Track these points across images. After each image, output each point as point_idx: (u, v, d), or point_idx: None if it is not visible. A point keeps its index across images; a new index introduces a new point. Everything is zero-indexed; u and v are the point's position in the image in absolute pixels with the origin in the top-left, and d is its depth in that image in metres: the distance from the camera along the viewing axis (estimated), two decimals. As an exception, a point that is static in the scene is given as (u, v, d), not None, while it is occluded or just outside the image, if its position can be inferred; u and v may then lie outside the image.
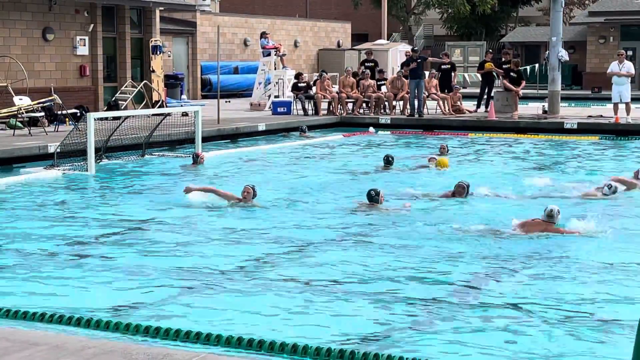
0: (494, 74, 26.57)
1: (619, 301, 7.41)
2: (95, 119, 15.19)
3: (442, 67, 26.37)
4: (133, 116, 18.57)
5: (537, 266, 8.56)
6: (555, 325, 6.69)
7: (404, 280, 8.02)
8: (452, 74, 26.34)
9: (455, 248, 9.28)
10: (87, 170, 14.72)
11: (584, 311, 7.11)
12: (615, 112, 22.42)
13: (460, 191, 12.15)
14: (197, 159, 15.97)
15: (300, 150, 19.32)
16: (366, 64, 27.34)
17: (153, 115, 19.19)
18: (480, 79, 27.62)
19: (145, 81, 24.23)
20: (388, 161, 15.64)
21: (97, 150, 15.42)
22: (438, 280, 8.07)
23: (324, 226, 10.53)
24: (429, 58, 27.22)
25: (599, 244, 9.49)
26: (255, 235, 9.98)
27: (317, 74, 28.26)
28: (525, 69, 36.60)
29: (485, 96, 26.32)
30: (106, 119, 17.67)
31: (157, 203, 12.25)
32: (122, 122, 17.04)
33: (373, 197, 11.39)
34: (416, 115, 24.00)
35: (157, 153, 17.49)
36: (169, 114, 18.80)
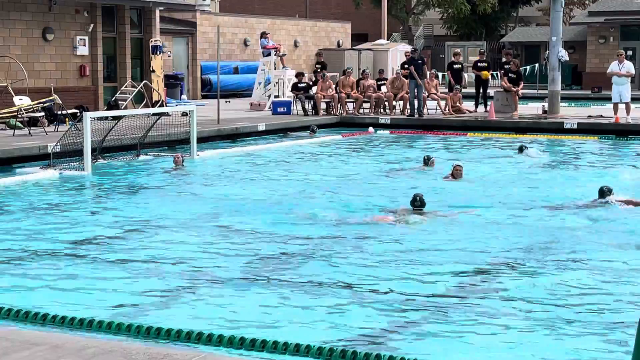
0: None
1: (618, 301, 7.40)
2: (94, 119, 15.18)
3: (454, 66, 26.41)
4: (132, 116, 18.54)
5: (537, 265, 8.56)
6: (554, 325, 6.68)
7: (409, 282, 8.00)
8: (461, 73, 26.53)
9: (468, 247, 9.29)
10: (83, 170, 14.71)
11: (583, 311, 7.10)
12: (615, 112, 22.43)
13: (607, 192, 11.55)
14: (177, 161, 15.72)
15: (298, 150, 19.28)
16: (316, 65, 27.21)
17: (152, 115, 19.16)
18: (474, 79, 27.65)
19: (145, 81, 24.21)
20: (426, 162, 15.46)
21: (93, 150, 15.42)
22: (444, 282, 8.05)
23: (326, 227, 10.50)
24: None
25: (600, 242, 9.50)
26: (255, 236, 9.96)
27: (314, 73, 28.22)
28: (526, 68, 36.62)
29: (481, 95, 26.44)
30: (106, 118, 17.67)
31: (153, 203, 12.23)
32: (117, 122, 17.03)
33: (422, 203, 10.92)
34: (416, 115, 24.00)
35: (153, 153, 17.46)
36: (164, 114, 18.78)
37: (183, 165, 15.59)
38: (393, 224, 10.53)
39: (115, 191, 13.33)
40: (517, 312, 7.02)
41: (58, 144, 15.60)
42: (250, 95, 29.89)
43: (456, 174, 13.96)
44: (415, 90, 23.99)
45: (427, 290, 7.67)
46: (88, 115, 15.00)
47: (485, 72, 26.17)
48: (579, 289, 7.75)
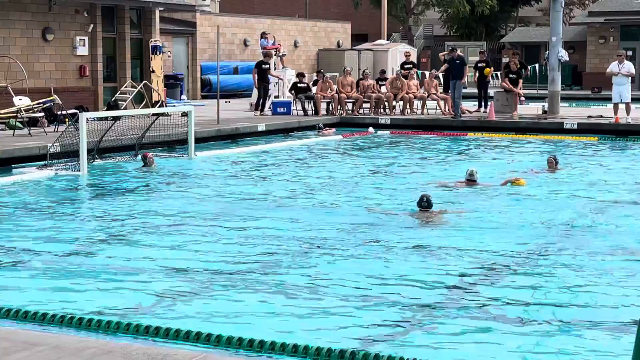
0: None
1: (618, 301, 7.40)
2: (92, 119, 15.17)
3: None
4: (131, 116, 18.53)
5: (535, 265, 8.56)
6: (554, 325, 6.68)
7: (407, 282, 8.01)
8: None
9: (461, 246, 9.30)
10: (79, 170, 14.71)
11: (582, 311, 7.10)
12: (615, 112, 22.44)
13: None
14: (146, 160, 15.65)
15: (298, 150, 19.28)
16: (263, 65, 26.18)
17: (152, 115, 19.15)
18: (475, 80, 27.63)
19: (145, 81, 24.21)
20: (553, 162, 15.28)
21: (90, 150, 15.40)
22: (441, 282, 8.06)
23: (325, 227, 10.50)
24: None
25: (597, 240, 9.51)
26: (254, 236, 9.96)
27: (315, 74, 28.18)
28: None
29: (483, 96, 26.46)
30: (106, 118, 17.66)
31: (148, 203, 12.22)
32: (114, 122, 17.01)
33: (429, 204, 10.86)
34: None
35: (150, 153, 17.45)
36: (162, 114, 18.78)
37: (152, 164, 15.61)
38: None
39: (110, 191, 13.31)
40: (518, 313, 7.02)
41: (55, 144, 15.59)
42: (250, 96, 29.88)
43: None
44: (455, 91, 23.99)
45: (427, 289, 7.68)
46: (84, 116, 15.00)
47: (487, 69, 26.14)
48: (579, 289, 7.75)
